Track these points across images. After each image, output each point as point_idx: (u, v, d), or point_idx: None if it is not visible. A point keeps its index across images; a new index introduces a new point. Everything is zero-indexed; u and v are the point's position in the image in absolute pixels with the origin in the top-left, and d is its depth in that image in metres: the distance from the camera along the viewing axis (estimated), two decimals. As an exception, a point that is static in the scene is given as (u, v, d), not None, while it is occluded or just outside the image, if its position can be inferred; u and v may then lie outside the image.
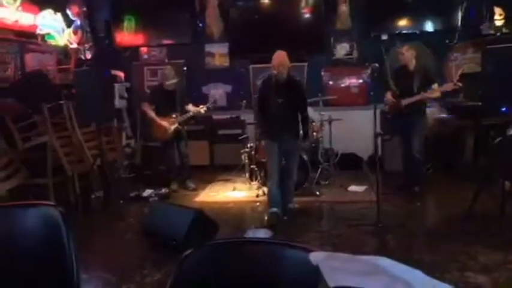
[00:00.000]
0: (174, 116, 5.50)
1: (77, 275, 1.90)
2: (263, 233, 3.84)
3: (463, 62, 6.49)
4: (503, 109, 4.33)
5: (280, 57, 4.25)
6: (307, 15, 6.95)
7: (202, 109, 5.53)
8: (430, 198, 5.11)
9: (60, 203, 2.85)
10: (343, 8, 6.80)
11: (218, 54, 7.25)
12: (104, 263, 3.57)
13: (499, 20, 6.07)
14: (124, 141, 6.76)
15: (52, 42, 6.00)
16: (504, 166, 4.03)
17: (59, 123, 5.11)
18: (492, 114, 5.06)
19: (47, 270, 1.75)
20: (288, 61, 4.27)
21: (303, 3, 6.92)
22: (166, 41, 7.29)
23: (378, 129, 4.33)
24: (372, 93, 6.56)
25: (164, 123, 5.50)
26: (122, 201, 5.00)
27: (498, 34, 6.04)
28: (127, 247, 3.94)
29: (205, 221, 3.74)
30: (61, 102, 5.27)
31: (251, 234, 3.85)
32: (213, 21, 7.11)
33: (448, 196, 5.03)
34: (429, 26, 6.67)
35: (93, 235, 4.17)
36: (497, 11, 6.05)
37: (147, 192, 5.38)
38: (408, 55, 4.95)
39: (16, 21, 5.20)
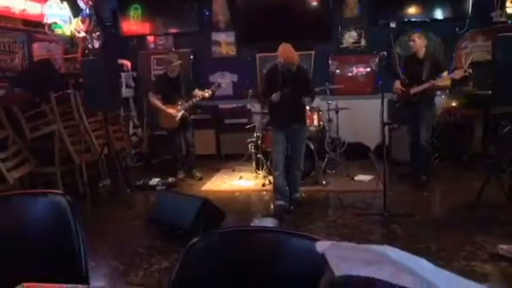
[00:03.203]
0: (179, 103, 5.49)
1: (85, 262, 1.93)
2: (269, 222, 3.85)
3: (473, 50, 6.39)
4: (514, 98, 4.28)
5: (287, 51, 4.17)
6: (314, 3, 6.86)
7: (206, 93, 5.48)
8: (437, 187, 5.08)
9: (68, 191, 2.88)
10: (352, -4, 6.71)
11: (225, 42, 7.21)
12: (111, 251, 3.61)
13: (510, 7, 5.95)
14: (131, 130, 6.79)
15: (59, 31, 6.01)
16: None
17: (66, 112, 5.14)
18: (502, 103, 4.99)
19: (56, 258, 1.77)
20: (296, 55, 4.22)
21: (310, -9, 6.84)
22: (172, 30, 7.26)
23: (386, 118, 4.30)
24: (380, 81, 6.52)
25: (170, 110, 5.50)
26: (129, 190, 5.03)
27: (509, 22, 5.93)
28: (134, 235, 3.97)
29: (211, 209, 3.76)
30: (68, 91, 5.29)
31: (257, 223, 3.87)
32: (220, 10, 7.06)
33: (455, 185, 5.01)
34: (439, 14, 6.55)
35: (101, 223, 4.22)
36: (509, -2, 5.94)
37: (154, 181, 5.41)
38: (419, 42, 4.87)
39: (23, 10, 5.21)
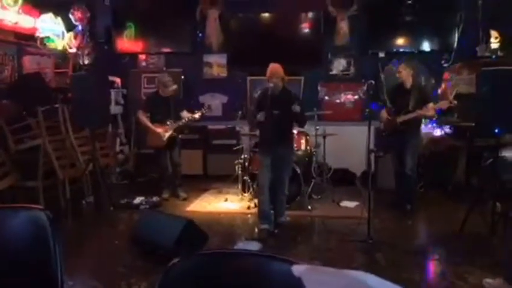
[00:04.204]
0: (168, 122, 5.49)
1: (61, 281, 1.88)
2: (253, 246, 3.82)
3: (458, 82, 6.56)
4: (496, 131, 4.37)
5: (274, 68, 4.32)
6: (306, 30, 7.02)
7: (196, 114, 5.49)
8: (422, 216, 5.11)
9: (49, 207, 2.82)
10: (342, 25, 6.87)
11: (216, 64, 7.29)
12: (91, 269, 3.53)
13: (494, 42, 6.15)
14: (118, 148, 6.74)
15: (51, 45, 6.01)
16: (495, 187, 4.05)
17: (53, 127, 5.10)
18: (485, 135, 5.10)
19: (32, 274, 1.73)
20: (281, 72, 4.32)
21: (302, 18, 7.00)
22: (165, 49, 7.33)
23: (372, 146, 4.35)
24: (367, 109, 6.62)
25: (159, 130, 5.49)
26: (112, 208, 4.96)
27: (493, 57, 6.12)
28: (115, 254, 3.89)
29: (195, 231, 3.72)
30: (56, 105, 5.26)
31: (241, 246, 3.83)
32: (213, 32, 7.16)
33: (439, 215, 5.04)
34: (426, 46, 6.76)
35: (82, 241, 4.13)
36: (493, 34, 6.14)
37: (138, 199, 5.35)
38: (405, 73, 5.00)
39: (16, 23, 5.21)
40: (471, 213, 4.06)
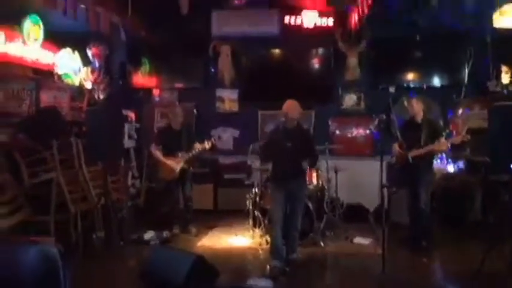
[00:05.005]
0: (180, 154, 5.52)
1: (70, 318, 1.84)
2: (265, 283, 3.72)
3: (470, 117, 6.54)
4: (511, 166, 4.31)
5: (292, 104, 4.37)
6: (316, 66, 7.13)
7: (207, 144, 5.55)
8: (437, 254, 4.96)
9: (60, 241, 2.81)
10: (352, 60, 6.97)
11: (228, 99, 7.39)
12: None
13: (506, 78, 6.16)
14: (129, 181, 6.75)
15: (69, 81, 6.16)
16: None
17: (67, 160, 5.14)
18: (500, 171, 5.02)
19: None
20: (299, 108, 4.39)
21: (313, 54, 7.13)
22: (178, 84, 7.48)
23: (384, 181, 4.30)
24: (378, 144, 6.59)
25: (170, 162, 5.52)
26: (122, 243, 4.92)
27: (505, 92, 6.11)
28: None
29: (205, 267, 3.65)
30: (71, 139, 5.33)
31: (252, 283, 3.74)
32: (225, 67, 7.31)
33: (455, 253, 4.90)
34: (436, 81, 6.80)
35: (92, 276, 4.07)
36: (504, 69, 6.17)
37: (149, 234, 5.30)
38: (417, 107, 5.02)
39: (36, 59, 5.38)
40: (489, 251, 3.93)
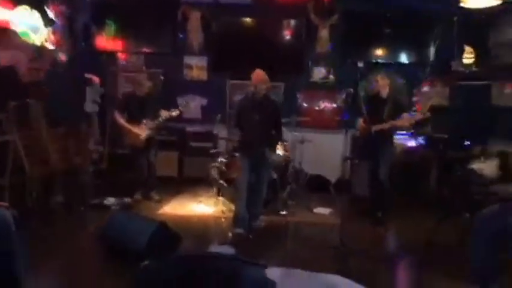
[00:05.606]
0: (144, 122, 5.42)
1: (23, 281, 1.81)
2: (225, 249, 3.78)
3: (433, 95, 6.73)
4: (467, 143, 4.51)
5: (260, 74, 4.40)
6: (288, 37, 7.07)
7: (173, 112, 5.46)
8: (393, 224, 5.18)
9: (15, 205, 2.72)
10: (324, 32, 6.96)
11: (196, 66, 7.24)
12: (58, 271, 3.42)
13: (468, 58, 6.34)
14: (92, 146, 6.58)
15: (27, 39, 5.83)
16: (465, 198, 4.16)
17: (25, 122, 4.94)
18: (457, 147, 5.24)
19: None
20: (267, 79, 4.41)
21: (284, 25, 7.05)
22: (145, 49, 7.24)
23: (348, 154, 4.41)
24: (344, 117, 6.70)
25: (136, 130, 5.41)
26: (82, 208, 4.84)
27: (467, 71, 6.30)
28: (84, 256, 3.79)
29: (167, 233, 3.66)
30: (28, 100, 5.10)
31: (213, 249, 3.79)
32: (194, 34, 7.12)
33: (411, 224, 5.12)
34: (404, 58, 6.92)
35: (49, 242, 4.00)
36: (467, 49, 6.33)
37: (110, 200, 5.24)
38: (382, 83, 5.10)
39: (-11, 15, 5.04)
40: (442, 223, 4.14)
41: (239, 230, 4.32)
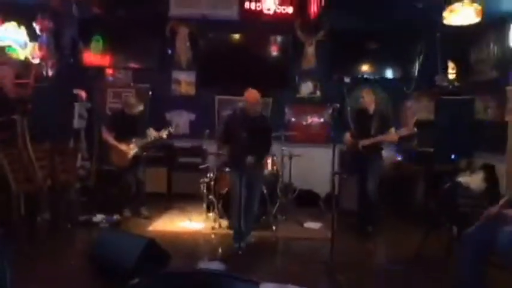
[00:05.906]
0: (133, 140, 5.40)
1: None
2: (215, 266, 3.75)
3: (418, 109, 6.85)
4: (453, 157, 4.58)
5: (255, 95, 4.44)
6: (274, 53, 7.16)
7: (163, 133, 5.46)
8: (382, 238, 5.22)
9: (2, 222, 2.68)
10: (310, 49, 7.07)
11: (184, 82, 7.26)
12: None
13: (451, 73, 6.49)
14: (79, 163, 6.51)
15: (13, 55, 5.80)
16: (452, 211, 4.21)
17: (10, 139, 4.87)
18: (443, 160, 5.32)
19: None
20: (260, 99, 4.48)
21: (271, 41, 7.14)
22: (133, 64, 7.24)
23: (336, 168, 4.44)
24: (332, 132, 6.76)
25: (123, 147, 5.38)
26: (70, 226, 4.76)
27: (450, 86, 6.44)
28: (71, 274, 3.72)
29: (156, 250, 3.62)
30: (14, 117, 5.04)
31: (203, 266, 3.76)
32: (182, 49, 7.17)
33: (399, 238, 5.16)
34: (389, 73, 7.07)
35: (35, 261, 3.91)
36: (451, 65, 6.48)
37: (98, 217, 5.17)
38: (368, 98, 5.19)
39: (-25, 30, 5.01)
40: (429, 236, 4.18)
41: (237, 245, 4.31)
